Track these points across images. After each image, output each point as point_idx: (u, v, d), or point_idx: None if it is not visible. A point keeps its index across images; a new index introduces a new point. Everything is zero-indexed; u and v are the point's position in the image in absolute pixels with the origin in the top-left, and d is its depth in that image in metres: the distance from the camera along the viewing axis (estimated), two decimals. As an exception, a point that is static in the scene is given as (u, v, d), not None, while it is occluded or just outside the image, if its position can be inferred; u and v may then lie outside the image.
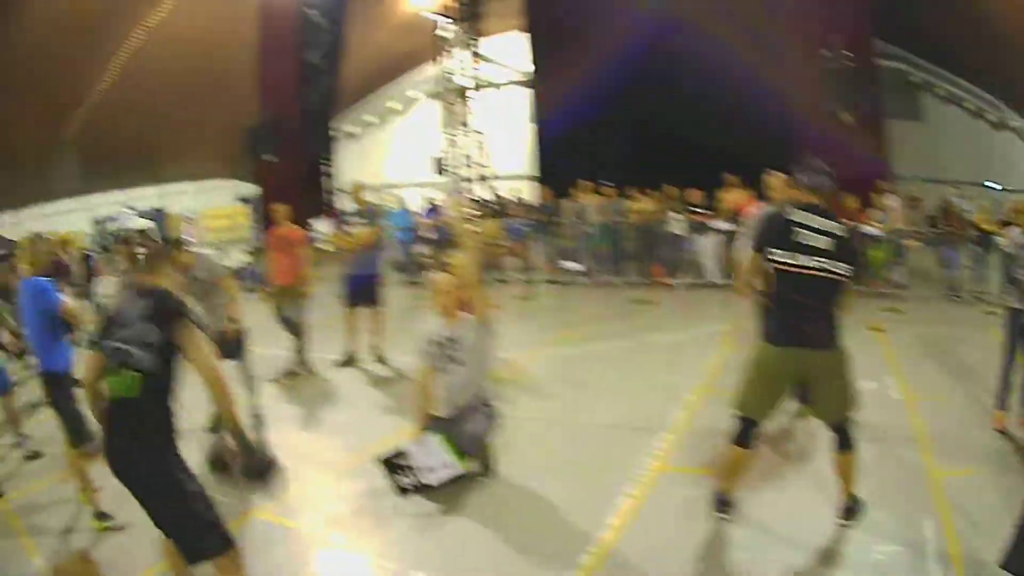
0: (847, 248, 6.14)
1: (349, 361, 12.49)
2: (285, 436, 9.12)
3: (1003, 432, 8.54)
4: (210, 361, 4.87)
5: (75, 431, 7.32)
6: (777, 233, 6.16)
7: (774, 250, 6.12)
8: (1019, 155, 26.64)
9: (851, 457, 6.43)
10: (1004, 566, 4.96)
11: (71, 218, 26.58)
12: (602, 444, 8.82)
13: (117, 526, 6.90)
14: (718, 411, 7.23)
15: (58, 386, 7.55)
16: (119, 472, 4.86)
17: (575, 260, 20.40)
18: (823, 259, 6.00)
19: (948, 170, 26.65)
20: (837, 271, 6.02)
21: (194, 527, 4.80)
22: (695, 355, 12.36)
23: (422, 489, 7.23)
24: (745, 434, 6.45)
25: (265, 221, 25.91)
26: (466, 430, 7.40)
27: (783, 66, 21.69)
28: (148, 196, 29.97)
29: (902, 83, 28.12)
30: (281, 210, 12.48)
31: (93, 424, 5.68)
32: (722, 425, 6.79)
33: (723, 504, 6.70)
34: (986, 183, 26.21)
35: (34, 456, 9.05)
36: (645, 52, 24.66)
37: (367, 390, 11.39)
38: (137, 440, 4.80)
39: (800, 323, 6.12)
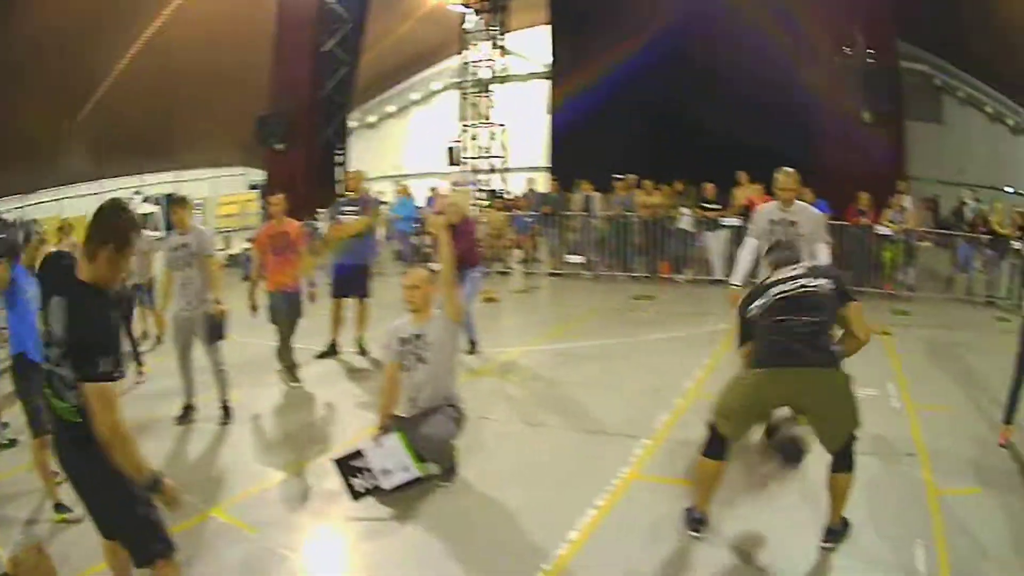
0: (821, 275, 6.04)
1: (330, 352, 12.23)
2: (249, 432, 9.16)
3: (1008, 448, 8.10)
4: (112, 419, 4.30)
5: (33, 422, 7.16)
6: (755, 295, 6.16)
7: (752, 306, 6.08)
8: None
9: (848, 478, 5.95)
10: None
11: (84, 202, 26.29)
12: (578, 449, 8.45)
13: (74, 518, 6.68)
14: (704, 418, 6.58)
15: (23, 373, 7.35)
16: (67, 473, 4.75)
17: (580, 254, 20.20)
18: (799, 278, 5.92)
19: (965, 173, 26.53)
20: (816, 285, 5.85)
21: (141, 530, 4.61)
22: (691, 355, 11.92)
23: (375, 492, 7.03)
24: (718, 447, 6.06)
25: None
26: (425, 433, 7.12)
27: (804, 63, 21.59)
28: (162, 182, 29.64)
29: (924, 85, 27.93)
30: (277, 203, 11.33)
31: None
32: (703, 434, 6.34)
33: (695, 521, 6.27)
34: (1004, 188, 25.98)
35: (10, 444, 8.85)
36: (664, 46, 24.64)
37: (342, 384, 11.13)
38: (82, 447, 4.44)
39: (792, 341, 5.79)
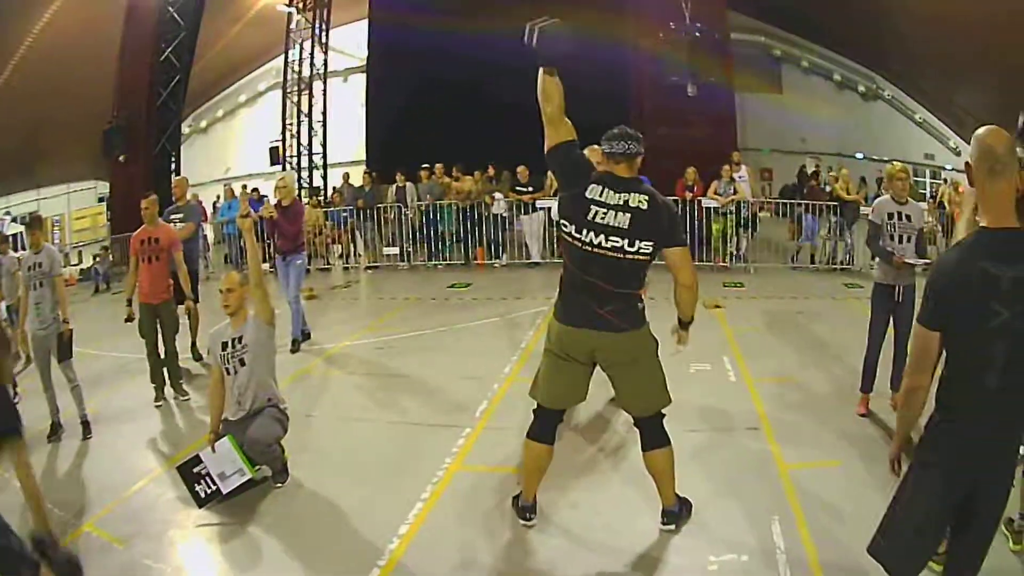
0: (651, 222, 5.38)
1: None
2: (109, 442, 8.99)
3: (868, 416, 8.11)
4: None
5: None
6: (573, 207, 5.53)
7: (566, 223, 5.52)
8: (890, 125, 26.88)
9: (663, 455, 5.69)
10: (871, 551, 4.42)
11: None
12: (403, 442, 8.37)
13: None
14: (525, 402, 6.43)
15: None
16: None
17: (396, 245, 20.23)
18: (618, 238, 5.34)
19: (808, 142, 26.92)
20: (633, 251, 5.34)
21: (5, 560, 4.40)
22: (510, 339, 11.94)
23: (216, 496, 7.05)
24: (543, 427, 5.82)
25: (122, 219, 25.67)
26: (251, 436, 7.10)
27: (630, 39, 21.69)
28: (26, 200, 29.67)
29: (762, 56, 28.27)
30: (149, 205, 10.56)
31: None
32: (524, 420, 6.21)
33: (524, 509, 6.06)
34: (855, 154, 26.47)
35: None
36: (474, 29, 24.56)
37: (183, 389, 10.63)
38: None
39: (590, 303, 5.46)
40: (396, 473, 7.51)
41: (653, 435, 5.69)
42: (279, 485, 7.36)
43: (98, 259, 23.74)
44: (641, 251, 5.35)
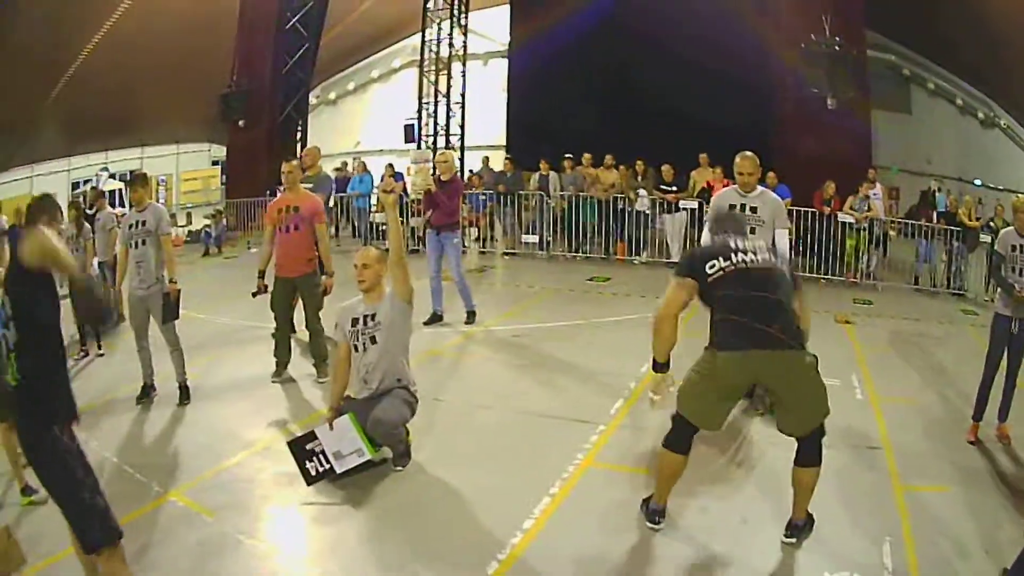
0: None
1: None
2: (206, 412, 8.89)
3: (976, 445, 7.98)
4: (37, 240, 4.34)
5: None
6: (712, 254, 5.73)
7: (712, 261, 5.65)
8: (1004, 154, 26.40)
9: (815, 473, 5.69)
10: None
11: (53, 180, 26.45)
12: (534, 434, 8.25)
13: (40, 500, 6.57)
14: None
15: None
16: (22, 448, 4.85)
17: (535, 233, 20.13)
18: (758, 252, 5.58)
19: (933, 164, 26.59)
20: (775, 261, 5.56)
21: (84, 516, 4.61)
22: (647, 338, 11.60)
23: (328, 475, 6.98)
24: (680, 437, 5.80)
25: (239, 184, 26.43)
26: (376, 417, 6.98)
27: (771, 47, 21.40)
28: (128, 159, 30.03)
29: (893, 75, 27.90)
30: (291, 170, 10.10)
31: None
32: (661, 421, 6.18)
33: (653, 512, 6.06)
34: (973, 180, 26.09)
35: None
36: (627, 24, 24.71)
37: (300, 364, 10.41)
38: (27, 417, 4.62)
39: (754, 322, 5.42)
40: (524, 466, 7.42)
41: (810, 452, 5.67)
42: (399, 468, 7.27)
43: (210, 222, 23.82)
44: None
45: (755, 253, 5.55)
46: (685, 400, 5.76)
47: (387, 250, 7.56)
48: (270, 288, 10.05)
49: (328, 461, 6.95)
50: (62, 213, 4.89)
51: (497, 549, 5.83)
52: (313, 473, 6.95)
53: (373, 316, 7.22)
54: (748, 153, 8.28)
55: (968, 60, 25.64)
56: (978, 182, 26.42)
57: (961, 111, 27.89)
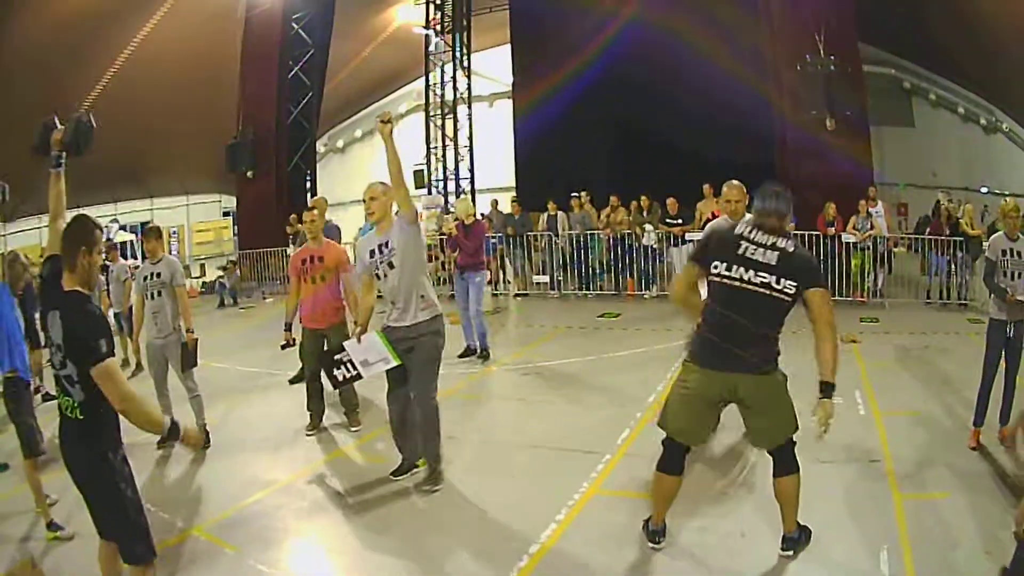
0: (795, 263, 5.61)
1: (300, 378, 11.01)
2: (226, 454, 9.14)
3: (978, 450, 8.08)
4: (121, 391, 4.69)
5: (27, 442, 7.46)
6: (722, 245, 5.81)
7: (716, 263, 5.73)
8: (1008, 158, 26.42)
9: (793, 481, 5.86)
10: None
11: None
12: (542, 466, 8.47)
13: (66, 536, 6.90)
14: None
15: (14, 394, 7.66)
16: (69, 469, 4.97)
17: (545, 273, 20.32)
18: (766, 274, 5.56)
19: (939, 176, 26.54)
20: (779, 289, 5.54)
21: (130, 531, 4.95)
22: (656, 370, 11.78)
23: (355, 379, 7.91)
24: (671, 459, 6.00)
25: (250, 235, 26.17)
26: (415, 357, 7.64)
27: (766, 73, 21.59)
28: (137, 210, 30.43)
29: (893, 89, 27.93)
30: (312, 219, 9.97)
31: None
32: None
33: (653, 533, 6.25)
34: (979, 188, 26.08)
35: (2, 468, 8.96)
36: (623, 61, 24.86)
37: (330, 414, 10.24)
38: (83, 444, 4.87)
39: (731, 345, 5.63)
40: (531, 495, 7.61)
41: (785, 462, 5.87)
42: (431, 489, 7.73)
43: (223, 274, 24.10)
44: (786, 290, 5.53)
45: (755, 271, 5.61)
46: (667, 421, 6.01)
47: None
48: (298, 340, 10.07)
49: (355, 368, 7.66)
50: (101, 230, 5.07)
51: (506, 571, 6.05)
52: (340, 379, 7.78)
53: (387, 244, 7.62)
54: (735, 182, 8.36)
55: (966, 66, 25.70)
56: (984, 189, 26.42)
57: (964, 119, 28.00)
